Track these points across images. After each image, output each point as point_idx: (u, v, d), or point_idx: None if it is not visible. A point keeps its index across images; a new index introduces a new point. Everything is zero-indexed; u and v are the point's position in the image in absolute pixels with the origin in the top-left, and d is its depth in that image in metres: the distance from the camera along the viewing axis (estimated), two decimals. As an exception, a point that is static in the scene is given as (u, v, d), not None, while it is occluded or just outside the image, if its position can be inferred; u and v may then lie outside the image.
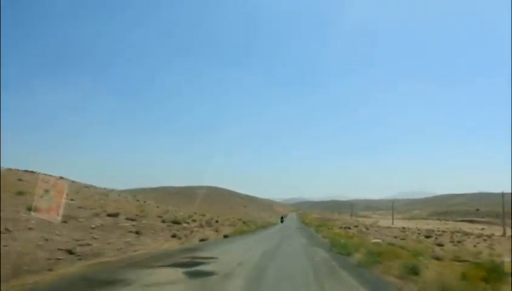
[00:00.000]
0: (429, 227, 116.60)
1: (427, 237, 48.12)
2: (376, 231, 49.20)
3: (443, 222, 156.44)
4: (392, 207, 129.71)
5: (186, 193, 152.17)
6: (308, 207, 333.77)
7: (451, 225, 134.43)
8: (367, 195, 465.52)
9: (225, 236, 23.68)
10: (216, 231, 29.15)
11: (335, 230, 42.26)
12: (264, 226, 48.01)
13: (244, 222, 50.09)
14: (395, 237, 43.58)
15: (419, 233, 55.79)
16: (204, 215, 48.76)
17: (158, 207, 45.53)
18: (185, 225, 26.90)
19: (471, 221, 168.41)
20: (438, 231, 68.69)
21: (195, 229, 26.57)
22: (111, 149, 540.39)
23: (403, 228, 73.39)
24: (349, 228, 48.86)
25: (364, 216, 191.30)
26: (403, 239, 41.91)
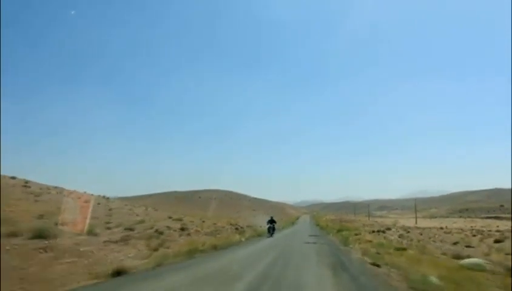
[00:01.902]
0: (460, 225, 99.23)
1: (498, 241, 31.71)
2: (421, 234, 33.07)
3: (467, 219, 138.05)
4: (415, 206, 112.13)
5: (192, 197, 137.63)
6: (321, 208, 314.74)
7: (480, 222, 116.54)
8: (380, 195, 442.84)
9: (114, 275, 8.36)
10: (155, 250, 14.02)
11: (367, 237, 26.58)
12: (261, 234, 32.52)
13: (237, 229, 34.81)
14: (455, 243, 27.72)
15: (474, 236, 39.29)
16: (180, 220, 33.71)
17: (110, 209, 31.25)
18: (62, 241, 11.86)
19: (497, 218, 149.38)
20: (490, 231, 51.56)
21: (80, 250, 11.49)
22: (116, 156, 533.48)
23: (441, 228, 56.61)
24: (383, 232, 32.90)
25: (380, 216, 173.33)
26: (468, 246, 26.02)
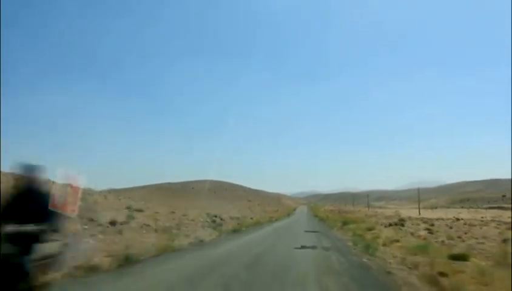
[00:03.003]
0: (467, 216, 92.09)
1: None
2: (450, 228, 25.15)
3: (471, 210, 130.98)
4: (418, 196, 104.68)
5: (185, 188, 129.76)
6: (319, 199, 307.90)
7: (486, 213, 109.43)
8: (377, 186, 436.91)
9: None
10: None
11: (385, 232, 18.75)
12: (251, 226, 24.71)
13: (215, 221, 27.05)
14: (504, 241, 19.83)
15: (509, 229, 31.46)
16: (140, 210, 25.80)
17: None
18: None
19: (500, 208, 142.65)
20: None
21: None
22: (114, 149, 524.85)
23: (458, 219, 48.94)
24: (401, 224, 25.03)
25: (380, 207, 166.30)
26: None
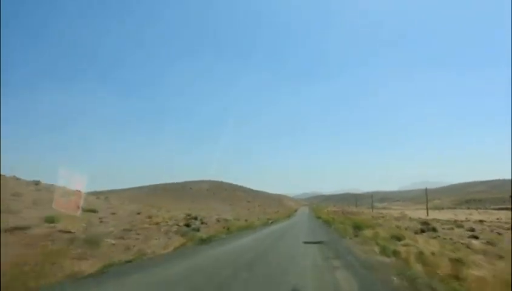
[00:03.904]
0: (480, 217, 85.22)
1: None
2: (497, 234, 18.73)
3: (479, 211, 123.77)
4: (426, 196, 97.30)
5: (183, 189, 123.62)
6: (321, 200, 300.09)
7: (500, 215, 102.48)
8: (379, 187, 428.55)
9: None
10: None
11: (422, 242, 12.39)
12: (236, 232, 18.34)
13: (189, 225, 20.87)
14: None
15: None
16: (93, 211, 19.65)
17: None
18: None
19: (507, 209, 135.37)
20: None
21: None
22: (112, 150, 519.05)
23: (480, 221, 42.53)
24: (433, 230, 18.63)
25: (384, 208, 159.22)
26: None
